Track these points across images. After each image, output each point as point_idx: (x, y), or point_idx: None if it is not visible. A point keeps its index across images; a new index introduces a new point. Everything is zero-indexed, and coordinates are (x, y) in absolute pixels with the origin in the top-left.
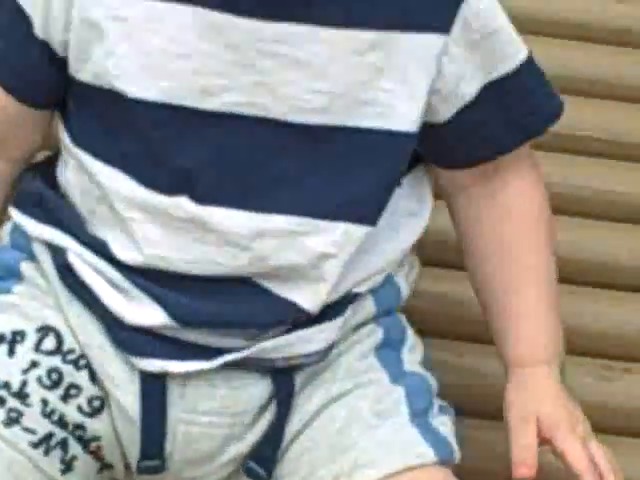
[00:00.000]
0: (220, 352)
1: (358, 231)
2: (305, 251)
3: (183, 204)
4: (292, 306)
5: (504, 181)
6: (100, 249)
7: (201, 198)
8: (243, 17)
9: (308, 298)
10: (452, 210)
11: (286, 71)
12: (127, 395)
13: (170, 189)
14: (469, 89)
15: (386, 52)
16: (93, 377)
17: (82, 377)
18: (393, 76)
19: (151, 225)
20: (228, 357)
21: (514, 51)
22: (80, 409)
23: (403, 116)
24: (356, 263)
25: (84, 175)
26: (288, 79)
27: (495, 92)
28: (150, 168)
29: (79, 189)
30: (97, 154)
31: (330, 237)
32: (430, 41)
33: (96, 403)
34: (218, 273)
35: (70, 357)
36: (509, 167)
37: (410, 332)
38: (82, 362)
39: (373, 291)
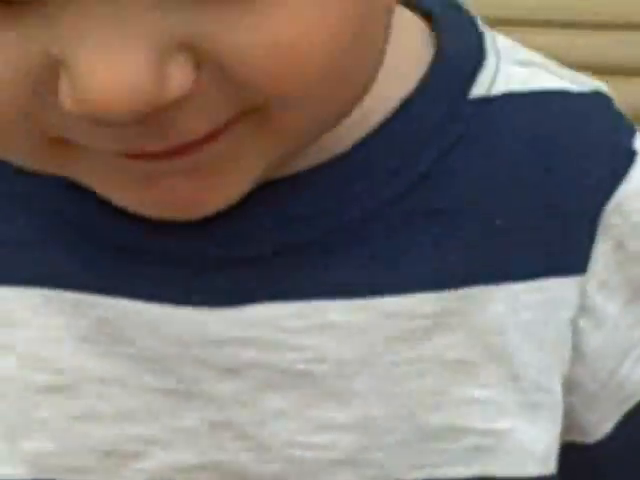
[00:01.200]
0: None
1: None
2: None
3: None
4: None
5: None
6: None
7: None
8: (166, 304)
9: None
10: None
11: (268, 394)
12: None
13: None
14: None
15: (465, 330)
16: None
17: None
18: (486, 372)
19: None
20: None
21: None
22: None
23: (521, 446)
24: None
25: None
26: (272, 407)
27: None
28: None
29: None
30: None
31: None
32: (551, 294)
33: None
34: None
35: None
36: None
37: None
38: None
39: None
